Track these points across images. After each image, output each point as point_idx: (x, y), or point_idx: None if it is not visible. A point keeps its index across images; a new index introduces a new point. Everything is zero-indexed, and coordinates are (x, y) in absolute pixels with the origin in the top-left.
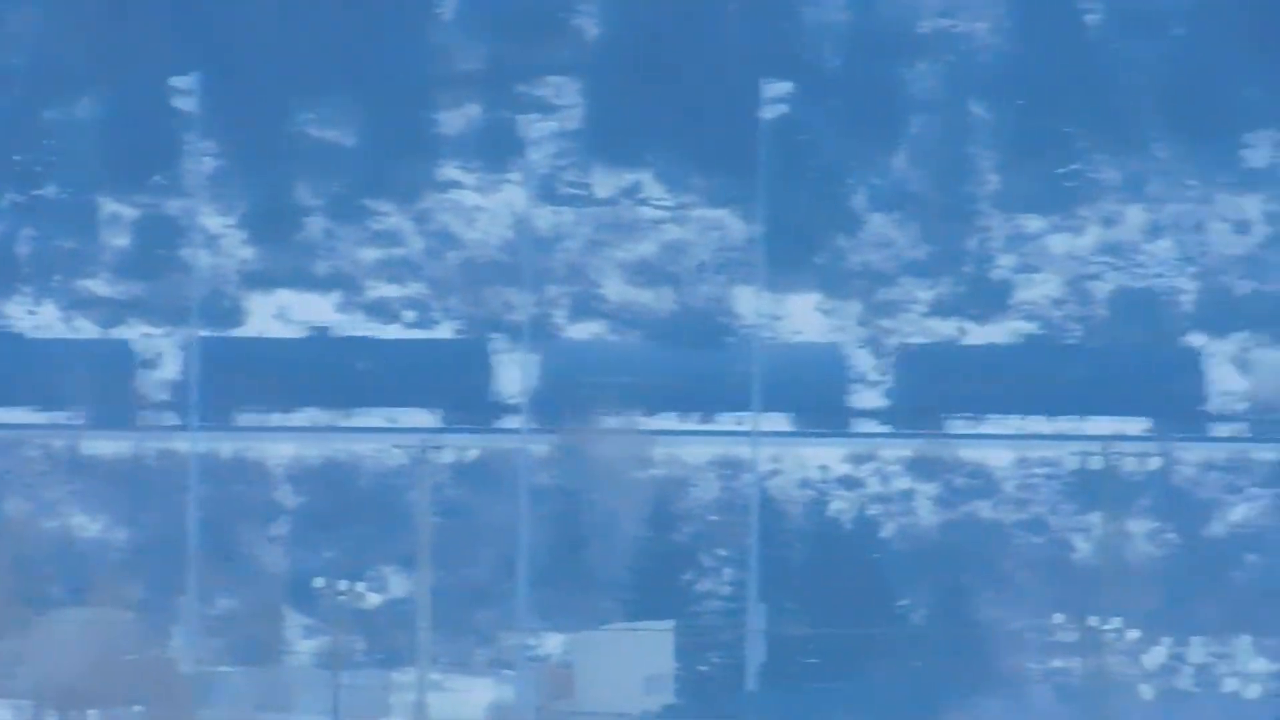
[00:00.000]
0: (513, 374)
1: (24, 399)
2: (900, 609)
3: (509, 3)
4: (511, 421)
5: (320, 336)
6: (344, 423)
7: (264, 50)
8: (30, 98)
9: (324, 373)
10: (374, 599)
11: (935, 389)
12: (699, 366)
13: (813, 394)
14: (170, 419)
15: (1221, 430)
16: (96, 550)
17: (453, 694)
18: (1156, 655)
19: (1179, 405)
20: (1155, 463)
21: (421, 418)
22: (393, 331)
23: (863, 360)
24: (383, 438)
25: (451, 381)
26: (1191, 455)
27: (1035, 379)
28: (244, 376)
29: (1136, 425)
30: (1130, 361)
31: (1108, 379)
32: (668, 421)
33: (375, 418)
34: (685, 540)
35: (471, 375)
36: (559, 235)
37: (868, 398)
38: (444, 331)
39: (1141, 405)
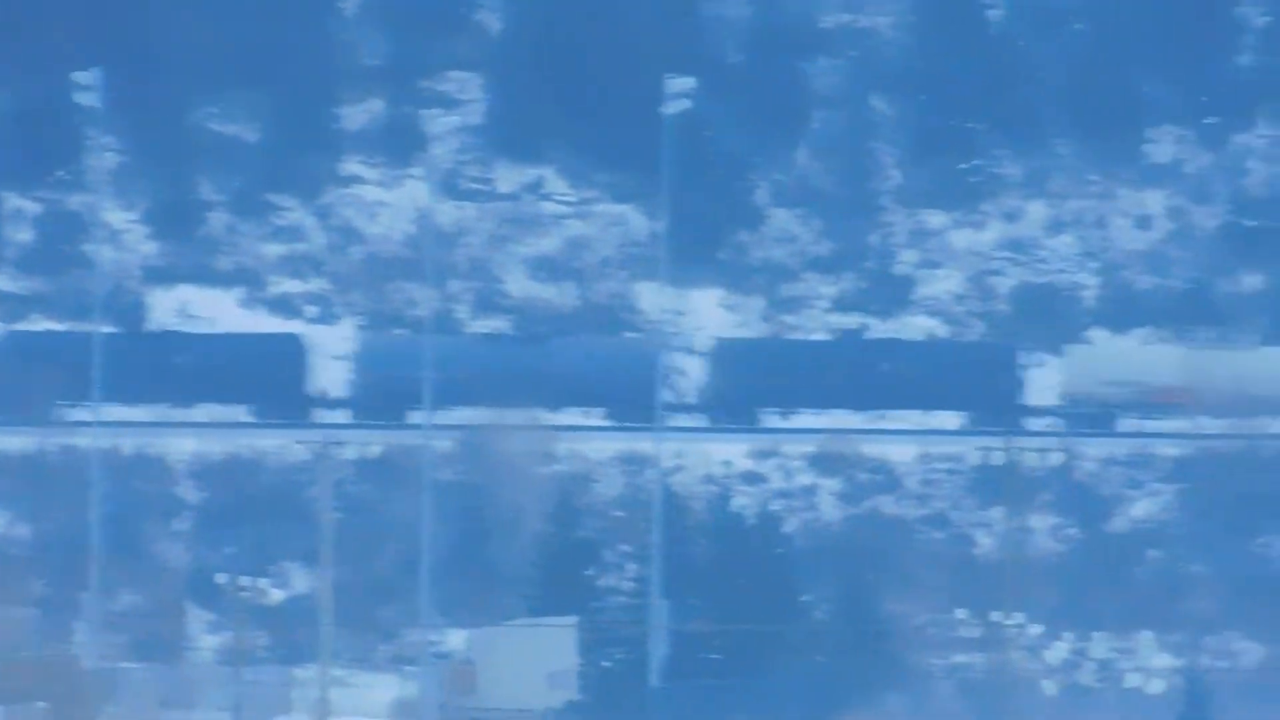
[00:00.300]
0: (330, 370)
1: None
2: (803, 605)
3: None
4: (328, 417)
5: (136, 331)
6: (159, 419)
7: (166, 46)
8: None
9: (142, 368)
10: (276, 595)
11: (749, 384)
12: (518, 361)
13: (626, 391)
14: None
15: (1036, 424)
16: None
17: (355, 690)
18: (1059, 651)
19: (994, 400)
20: (1057, 458)
21: (238, 414)
22: (221, 325)
23: (678, 356)
24: (286, 434)
25: (268, 377)
26: (1093, 450)
27: (849, 374)
28: (59, 371)
29: (951, 420)
30: (944, 356)
31: (923, 374)
32: (571, 417)
33: (192, 414)
34: (588, 536)
35: (287, 371)
36: (462, 230)
37: (682, 393)
38: (346, 328)
39: (956, 400)
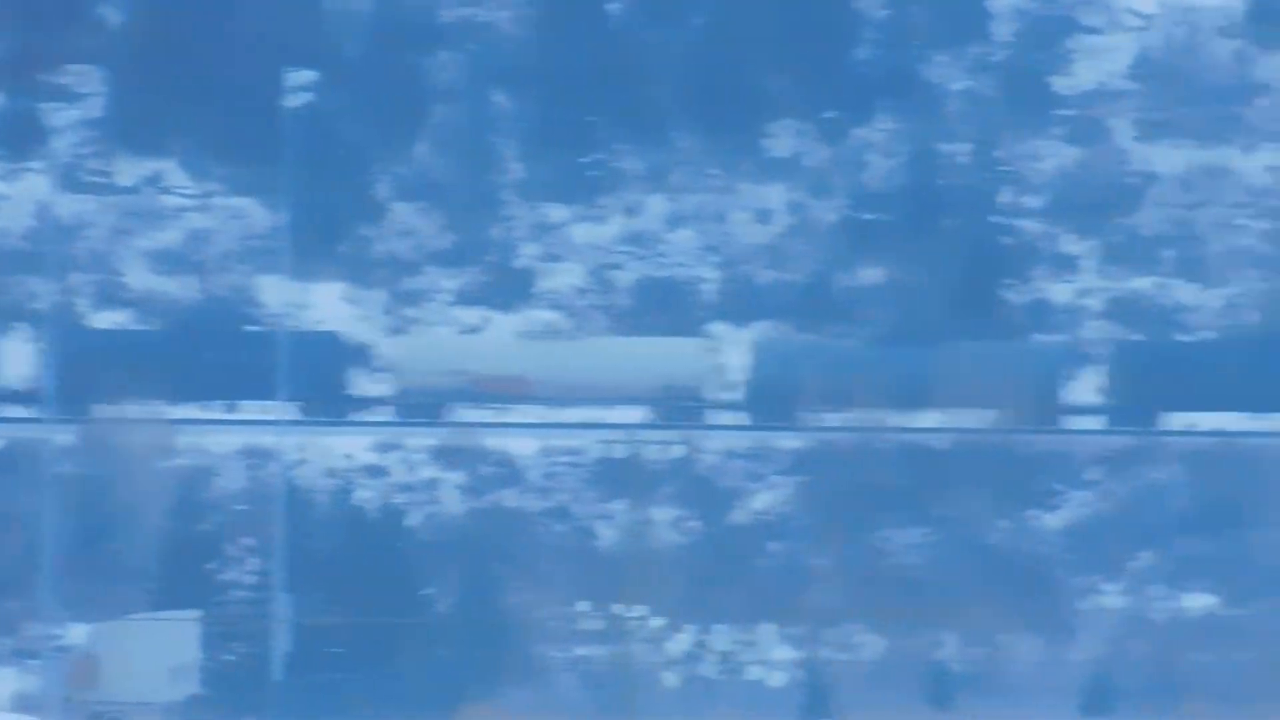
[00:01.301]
0: None
1: None
2: (425, 598)
3: None
4: None
5: None
6: None
7: None
8: None
9: None
10: None
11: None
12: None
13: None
14: None
15: (367, 415)
16: None
17: None
18: (680, 643)
19: (322, 390)
20: (678, 450)
21: None
22: None
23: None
24: None
25: None
26: (713, 443)
27: (177, 365)
28: None
29: (287, 411)
30: (275, 346)
31: (252, 364)
32: (191, 410)
33: None
34: (210, 530)
35: None
36: (82, 224)
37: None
38: None
39: (286, 390)
